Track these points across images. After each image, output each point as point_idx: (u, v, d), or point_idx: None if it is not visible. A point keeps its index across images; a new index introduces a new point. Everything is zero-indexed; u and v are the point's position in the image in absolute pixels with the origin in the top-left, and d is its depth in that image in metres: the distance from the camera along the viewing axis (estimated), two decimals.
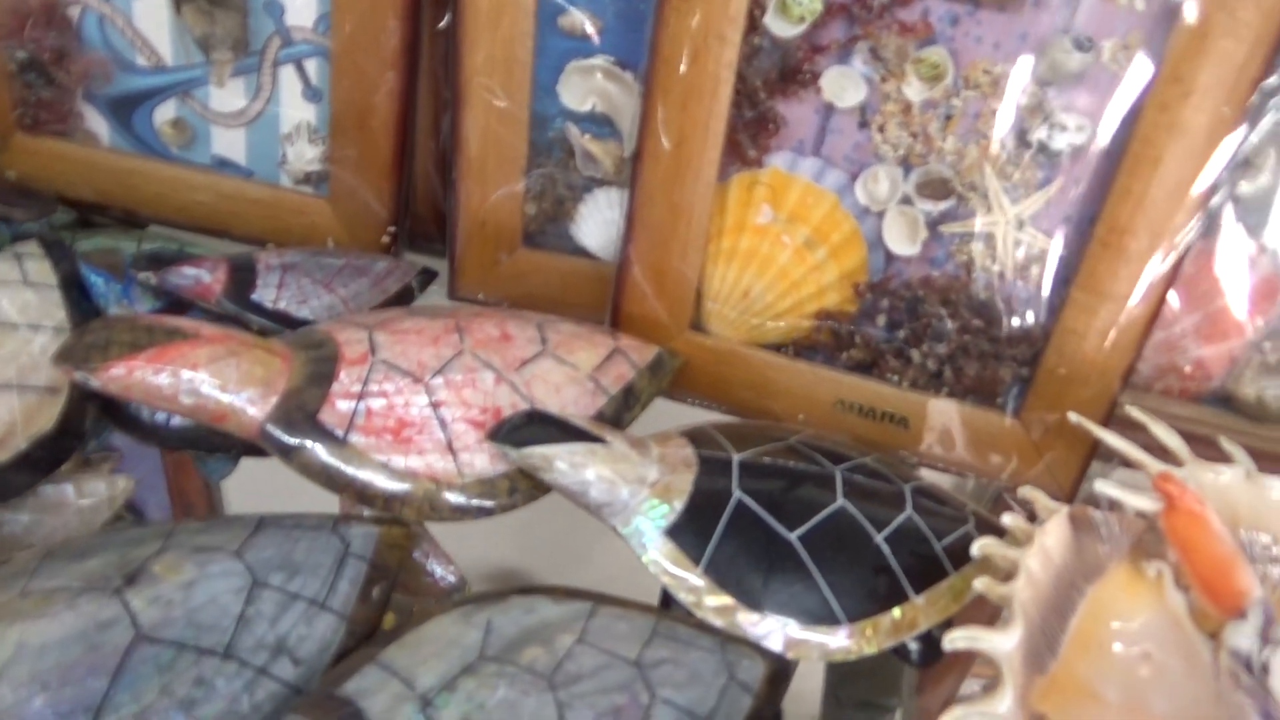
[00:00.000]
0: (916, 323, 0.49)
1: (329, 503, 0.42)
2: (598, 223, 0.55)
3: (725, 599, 0.38)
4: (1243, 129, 0.42)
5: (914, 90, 0.45)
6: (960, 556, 0.40)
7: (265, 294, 0.49)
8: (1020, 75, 0.44)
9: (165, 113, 0.56)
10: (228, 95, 0.55)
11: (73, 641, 0.30)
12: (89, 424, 0.42)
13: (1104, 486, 0.38)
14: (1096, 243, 0.45)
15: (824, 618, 0.38)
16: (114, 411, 0.43)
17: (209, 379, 0.38)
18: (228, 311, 0.48)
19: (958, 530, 0.41)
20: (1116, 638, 0.35)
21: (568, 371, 0.45)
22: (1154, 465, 0.39)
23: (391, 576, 0.38)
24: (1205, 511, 0.37)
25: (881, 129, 0.46)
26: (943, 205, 0.47)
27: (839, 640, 0.37)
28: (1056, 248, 0.46)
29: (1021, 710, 0.31)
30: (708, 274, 0.50)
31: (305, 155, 0.56)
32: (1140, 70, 0.42)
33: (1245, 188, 0.47)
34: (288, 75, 0.55)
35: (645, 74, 0.47)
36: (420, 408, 0.41)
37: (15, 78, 0.55)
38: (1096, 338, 0.46)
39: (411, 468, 0.40)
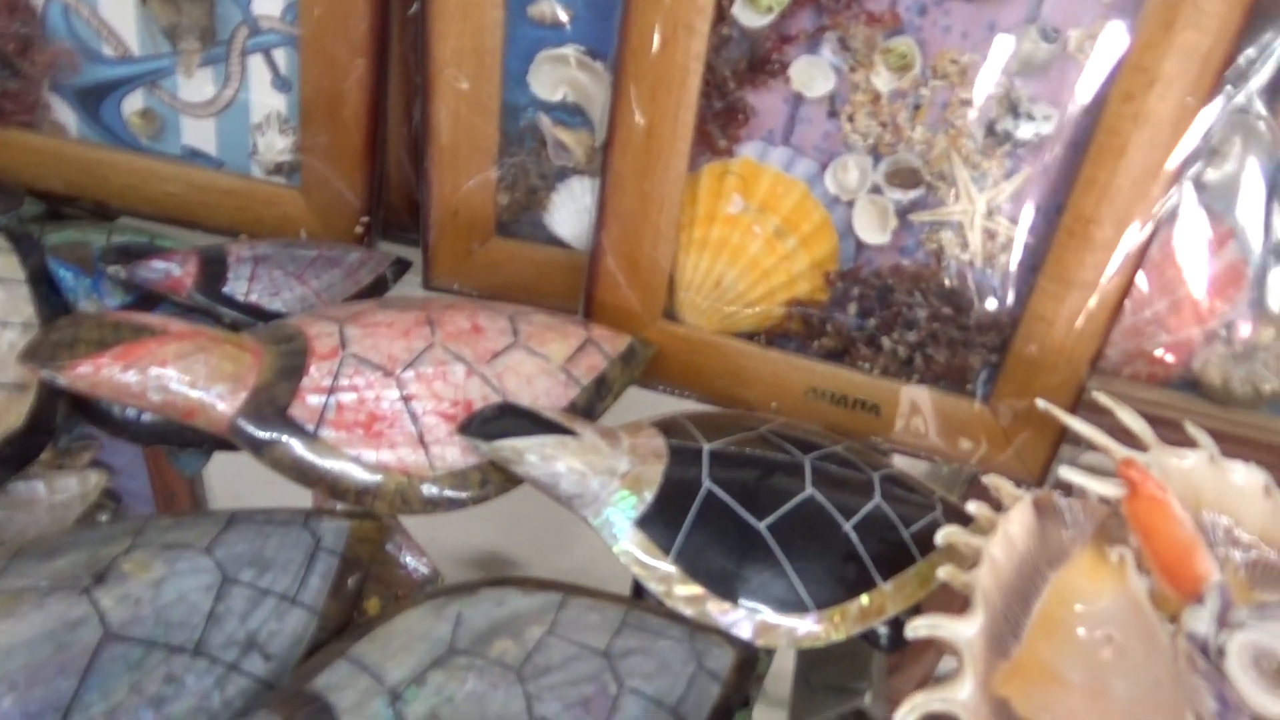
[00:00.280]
0: (887, 311, 0.49)
1: (308, 490, 0.42)
2: (571, 212, 0.55)
3: (695, 588, 0.38)
4: (1207, 118, 0.42)
5: (882, 80, 0.45)
6: (928, 543, 0.40)
7: (237, 287, 0.49)
8: (988, 65, 0.44)
9: (133, 103, 0.56)
10: (196, 85, 0.55)
11: (41, 641, 0.30)
12: (59, 420, 0.42)
13: (1067, 473, 0.39)
14: (1063, 231, 0.45)
15: (792, 605, 0.38)
16: (85, 408, 0.43)
17: (177, 375, 0.38)
18: (199, 305, 0.48)
19: (925, 517, 0.42)
20: (1079, 621, 0.36)
21: (539, 363, 0.45)
22: (1118, 451, 0.40)
23: (364, 570, 0.38)
24: (1166, 497, 0.37)
25: (851, 118, 0.46)
26: (912, 194, 0.47)
27: (807, 627, 0.38)
28: (1024, 236, 0.47)
29: (983, 695, 0.32)
30: (680, 263, 0.50)
31: (276, 145, 0.56)
32: (1105, 60, 0.43)
33: (1211, 175, 0.47)
34: (256, 65, 0.54)
35: (614, 64, 0.46)
36: (391, 401, 0.41)
37: None
38: (1064, 325, 0.46)
39: (383, 461, 0.40)
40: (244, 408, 0.39)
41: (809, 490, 0.40)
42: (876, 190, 0.48)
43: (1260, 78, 0.45)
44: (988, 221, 0.47)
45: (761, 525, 0.39)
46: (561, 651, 0.33)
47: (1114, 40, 0.42)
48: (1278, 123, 0.47)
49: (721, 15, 0.45)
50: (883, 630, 0.40)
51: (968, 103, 0.45)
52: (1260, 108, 0.46)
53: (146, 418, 0.44)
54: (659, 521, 0.39)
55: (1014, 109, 0.45)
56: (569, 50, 0.51)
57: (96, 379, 0.37)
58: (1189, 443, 0.41)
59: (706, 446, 0.41)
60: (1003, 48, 0.44)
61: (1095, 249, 0.44)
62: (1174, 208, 0.47)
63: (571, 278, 0.54)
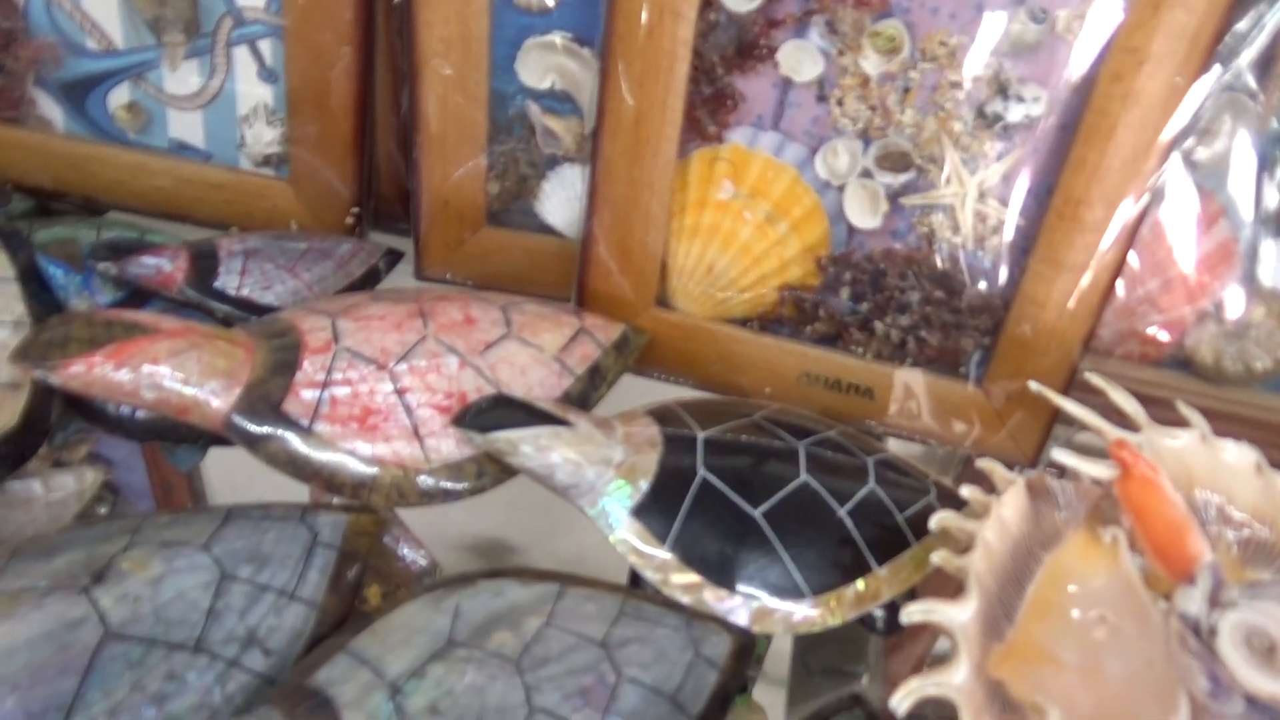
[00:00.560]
0: (879, 295, 0.49)
1: (305, 482, 0.42)
2: (562, 200, 0.54)
3: (692, 576, 0.38)
4: (1196, 97, 0.42)
5: (871, 63, 0.45)
6: (922, 527, 0.41)
7: (228, 281, 0.48)
8: (976, 47, 0.44)
9: (119, 96, 0.55)
10: (182, 78, 0.55)
11: (41, 642, 0.30)
12: (54, 419, 0.42)
13: (1060, 455, 0.39)
14: (1054, 213, 0.45)
15: (789, 591, 0.38)
16: (79, 405, 0.43)
17: (170, 373, 0.38)
18: (190, 300, 0.47)
19: (920, 501, 0.42)
20: (1073, 602, 0.36)
21: (533, 353, 0.45)
22: (1110, 432, 0.40)
23: (362, 563, 0.38)
24: (1158, 478, 0.38)
25: (840, 102, 0.46)
26: (903, 178, 0.47)
27: (804, 613, 0.38)
28: (1015, 218, 0.47)
29: (978, 678, 0.32)
30: (671, 250, 0.50)
31: (264, 137, 0.56)
32: (1094, 40, 0.42)
33: (1202, 153, 0.47)
34: (242, 56, 0.54)
35: (601, 51, 0.46)
36: (385, 395, 0.41)
37: None
38: (1056, 306, 0.46)
39: (378, 454, 0.40)
40: (238, 404, 0.39)
41: (803, 477, 0.40)
42: (867, 174, 0.47)
43: (1250, 52, 0.45)
44: (978, 204, 0.47)
45: (757, 512, 0.39)
46: (559, 642, 0.34)
47: (1102, 20, 0.42)
48: (1267, 98, 0.47)
49: (708, 1, 0.45)
50: (878, 614, 0.40)
51: (957, 85, 0.45)
52: (1250, 82, 0.46)
53: (141, 415, 0.44)
54: (655, 510, 0.39)
55: (1003, 90, 0.45)
56: (556, 37, 0.50)
57: (89, 378, 0.37)
58: (1182, 422, 0.42)
59: (701, 434, 0.42)
60: (991, 29, 0.44)
61: (1086, 230, 0.44)
62: (1164, 187, 0.47)
63: (563, 266, 0.54)
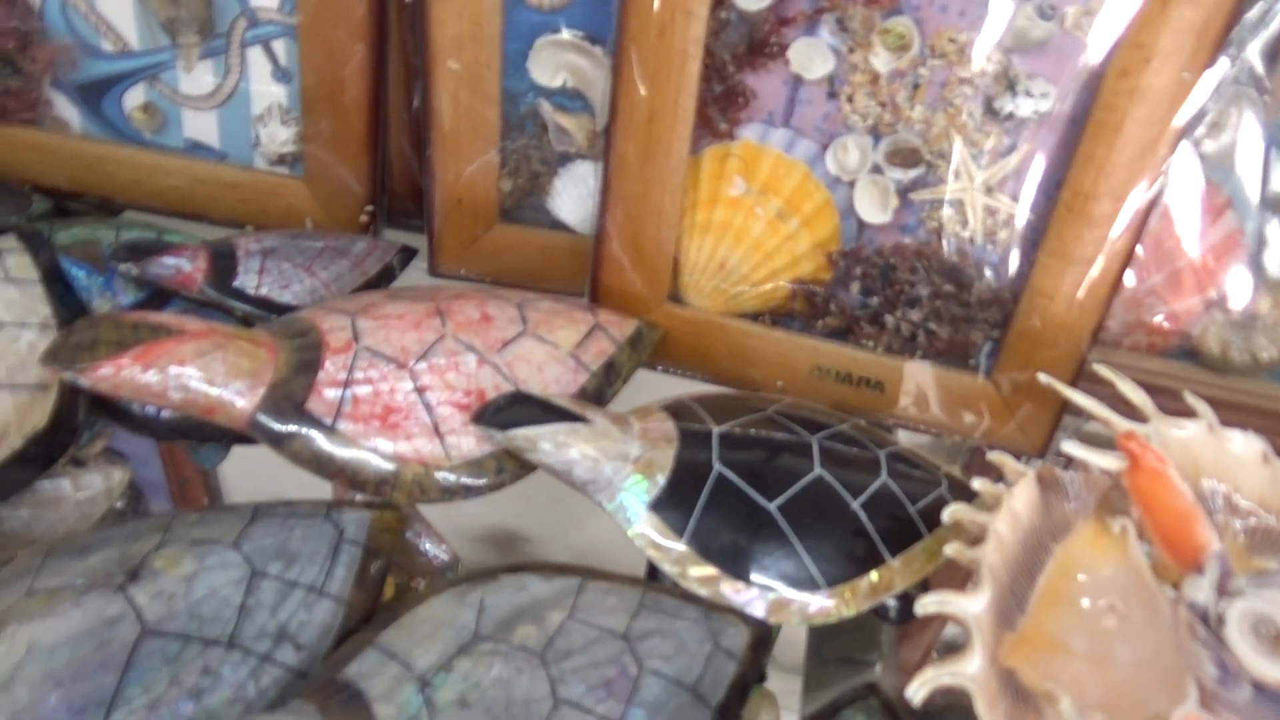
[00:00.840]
0: (890, 289, 0.50)
1: (317, 474, 0.43)
2: (574, 196, 0.55)
3: (709, 569, 0.39)
4: (1204, 90, 0.42)
5: (881, 60, 0.46)
6: (934, 518, 0.41)
7: (247, 280, 0.49)
8: (985, 43, 0.45)
9: (135, 97, 0.56)
10: (196, 78, 0.55)
11: (82, 639, 0.31)
12: (81, 418, 0.43)
13: (1069, 447, 0.39)
14: (1062, 207, 0.46)
15: (804, 583, 0.39)
16: (105, 405, 0.44)
17: (196, 374, 0.39)
18: (211, 299, 0.48)
19: (931, 493, 0.43)
20: (1082, 591, 0.37)
21: (549, 350, 0.46)
22: (1119, 423, 0.41)
23: (386, 559, 0.39)
24: (1166, 469, 0.38)
25: (850, 99, 0.47)
26: (912, 173, 0.48)
27: (819, 604, 0.39)
28: (1024, 212, 0.47)
29: (991, 667, 0.33)
30: (684, 246, 0.51)
31: (278, 137, 0.56)
32: (1102, 36, 0.43)
33: (1209, 146, 0.48)
34: (256, 56, 0.55)
35: (614, 50, 0.47)
36: (405, 393, 0.42)
37: None
38: (1065, 299, 0.47)
39: (400, 452, 0.41)
40: (262, 403, 0.40)
41: (817, 470, 0.41)
42: (877, 170, 0.48)
43: (1258, 43, 0.46)
44: (988, 198, 0.47)
45: (772, 506, 0.40)
46: (582, 635, 0.34)
47: (1110, 16, 0.43)
48: (1274, 89, 0.47)
49: None
50: (891, 604, 0.41)
51: (966, 81, 0.45)
52: (1259, 71, 0.47)
53: (166, 414, 0.45)
54: (672, 505, 0.40)
55: (1012, 86, 0.45)
56: (567, 36, 0.51)
57: (118, 380, 0.38)
58: (1189, 411, 0.42)
59: (715, 429, 0.42)
60: (1000, 25, 0.44)
61: (1094, 224, 0.45)
62: (1172, 179, 0.47)
63: (575, 261, 0.55)
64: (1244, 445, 0.40)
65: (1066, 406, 0.50)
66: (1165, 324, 0.51)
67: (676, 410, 0.44)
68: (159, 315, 0.41)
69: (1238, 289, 0.50)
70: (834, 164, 0.48)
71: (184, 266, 0.48)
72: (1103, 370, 0.44)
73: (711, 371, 0.53)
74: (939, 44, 0.45)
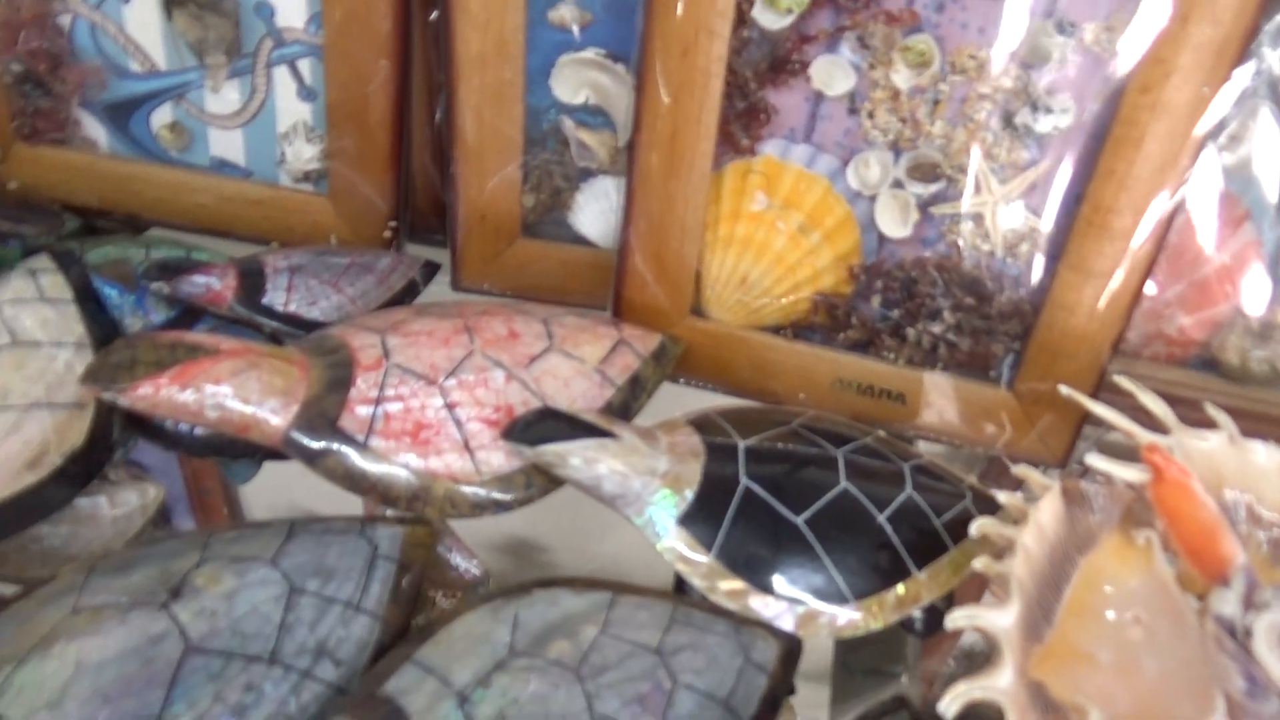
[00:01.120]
0: (911, 302, 0.50)
1: (336, 490, 0.43)
2: (595, 211, 0.56)
3: (737, 583, 0.39)
4: (1223, 106, 0.43)
5: (902, 77, 0.46)
6: (959, 531, 0.42)
7: (275, 297, 0.50)
8: (1005, 59, 0.45)
9: (162, 117, 0.57)
10: (223, 97, 0.56)
11: (128, 656, 0.32)
12: (116, 436, 0.44)
13: (1094, 460, 0.40)
14: (1082, 221, 0.46)
15: (832, 596, 0.40)
16: (140, 423, 0.45)
17: (232, 393, 0.40)
18: (240, 317, 0.49)
19: (956, 506, 0.43)
20: (1108, 603, 0.37)
21: (575, 365, 0.46)
22: (1142, 435, 0.41)
23: (418, 574, 0.39)
24: (1190, 482, 0.39)
25: (871, 115, 0.47)
26: (933, 187, 0.48)
27: (847, 617, 0.40)
28: (1044, 226, 0.48)
29: (1021, 680, 0.33)
30: (706, 261, 0.52)
31: (303, 154, 0.57)
32: (1121, 53, 0.43)
33: (1228, 158, 0.48)
34: (281, 76, 0.55)
35: (636, 70, 0.47)
36: (436, 409, 0.42)
37: (12, 89, 0.56)
38: (1085, 311, 0.47)
39: (431, 468, 0.42)
40: (296, 421, 0.41)
41: (843, 484, 0.42)
42: (898, 185, 0.49)
43: (1278, 54, 0.46)
44: (1008, 212, 0.48)
45: (799, 520, 0.40)
46: (616, 650, 0.35)
47: (1130, 33, 0.43)
48: None
49: (742, 18, 0.46)
50: (918, 616, 0.41)
51: (986, 97, 0.46)
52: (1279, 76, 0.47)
53: (199, 431, 0.45)
54: (700, 519, 0.40)
55: (1032, 102, 0.45)
56: (589, 54, 0.51)
57: (156, 399, 0.39)
58: (1209, 421, 0.43)
59: (742, 443, 0.43)
60: (1020, 42, 0.45)
61: (1114, 238, 0.45)
62: (1192, 192, 0.48)
63: (596, 275, 0.56)
64: (1266, 456, 0.41)
65: (1087, 417, 0.50)
66: (1185, 335, 0.52)
67: (702, 424, 0.44)
68: (195, 335, 0.42)
69: (1257, 299, 0.50)
70: (855, 179, 0.49)
71: (214, 284, 0.49)
72: (1123, 382, 0.45)
73: (733, 384, 0.54)
74: (959, 60, 0.45)
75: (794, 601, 0.39)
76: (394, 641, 0.37)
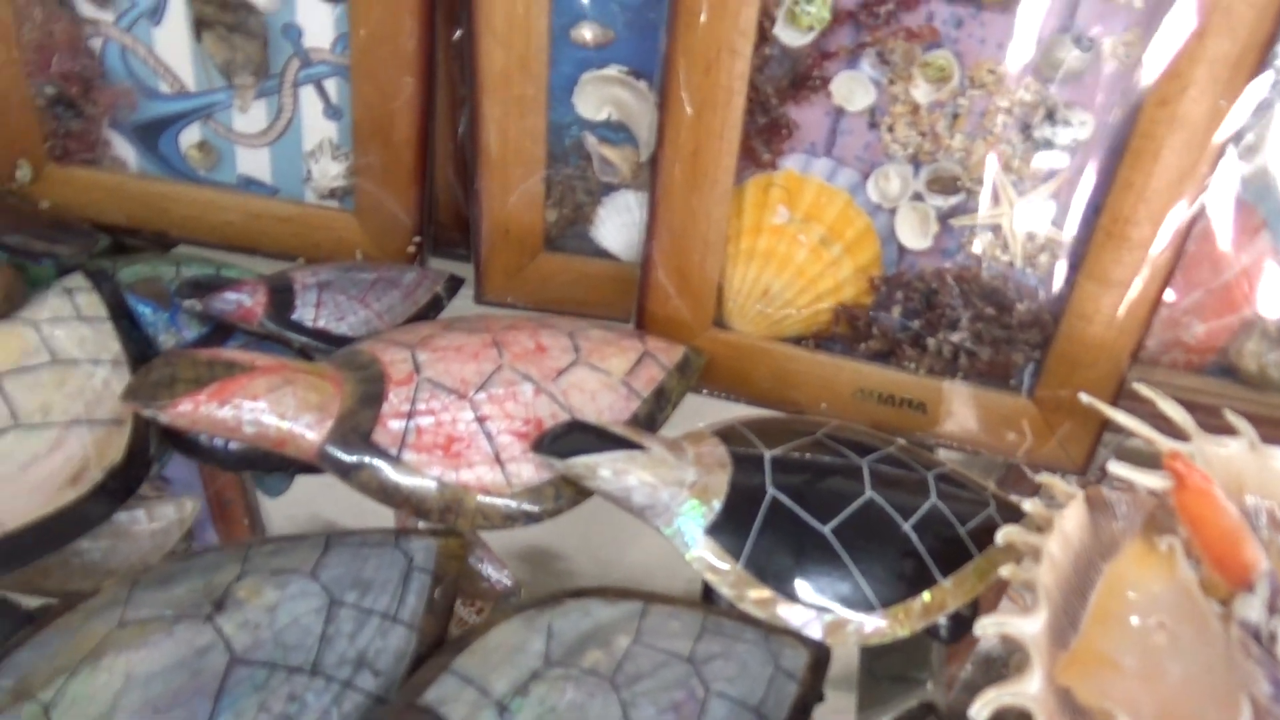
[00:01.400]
0: (931, 312, 0.51)
1: (353, 501, 0.44)
2: (617, 225, 0.56)
3: (765, 592, 0.40)
4: (1239, 117, 0.43)
5: (921, 92, 0.47)
6: (983, 539, 0.42)
7: (305, 313, 0.51)
8: (1024, 73, 0.46)
9: (190, 136, 0.58)
10: (250, 117, 0.57)
11: (176, 668, 0.33)
12: (153, 451, 0.44)
13: (1116, 468, 0.40)
14: (1101, 232, 0.47)
15: (859, 604, 0.40)
16: (176, 438, 0.46)
17: (268, 409, 0.40)
18: (271, 333, 0.50)
19: (980, 514, 0.44)
20: (1132, 609, 0.38)
21: (601, 378, 0.47)
22: (1163, 442, 0.42)
23: (452, 585, 0.40)
24: (1212, 488, 0.39)
25: (891, 129, 0.48)
26: (952, 200, 0.49)
27: (874, 624, 0.40)
28: (1063, 237, 0.48)
29: (1049, 687, 0.34)
30: (728, 273, 0.52)
31: (329, 171, 0.58)
32: (1139, 66, 0.44)
33: (1245, 168, 0.49)
34: (308, 95, 0.56)
35: (660, 88, 0.48)
36: (467, 423, 0.43)
37: (45, 111, 0.57)
38: (1104, 320, 0.48)
39: (463, 480, 0.42)
40: (331, 435, 0.42)
41: (869, 493, 0.42)
42: (918, 197, 0.49)
43: None
44: (1027, 223, 0.48)
45: (826, 529, 0.41)
46: (649, 659, 0.36)
47: (1147, 47, 0.44)
48: None
49: (764, 36, 0.47)
50: (943, 622, 0.42)
51: (1005, 110, 0.47)
52: None
53: (234, 445, 0.46)
54: (728, 529, 0.41)
55: (1050, 115, 0.46)
56: (612, 71, 0.52)
57: (196, 415, 0.40)
58: (1229, 427, 0.43)
59: (767, 454, 0.44)
60: (1038, 57, 0.45)
61: (1133, 248, 0.46)
62: (1209, 202, 0.48)
63: (618, 288, 0.56)
64: None
65: (1107, 424, 0.51)
66: (1203, 342, 0.52)
67: (727, 435, 0.45)
68: (231, 352, 0.42)
69: (1273, 306, 0.51)
70: (875, 192, 0.50)
71: (245, 301, 0.50)
72: (1143, 389, 0.45)
73: (755, 394, 0.54)
74: (978, 75, 0.46)
75: (822, 609, 0.40)
76: (430, 652, 0.38)
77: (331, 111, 0.57)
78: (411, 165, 0.57)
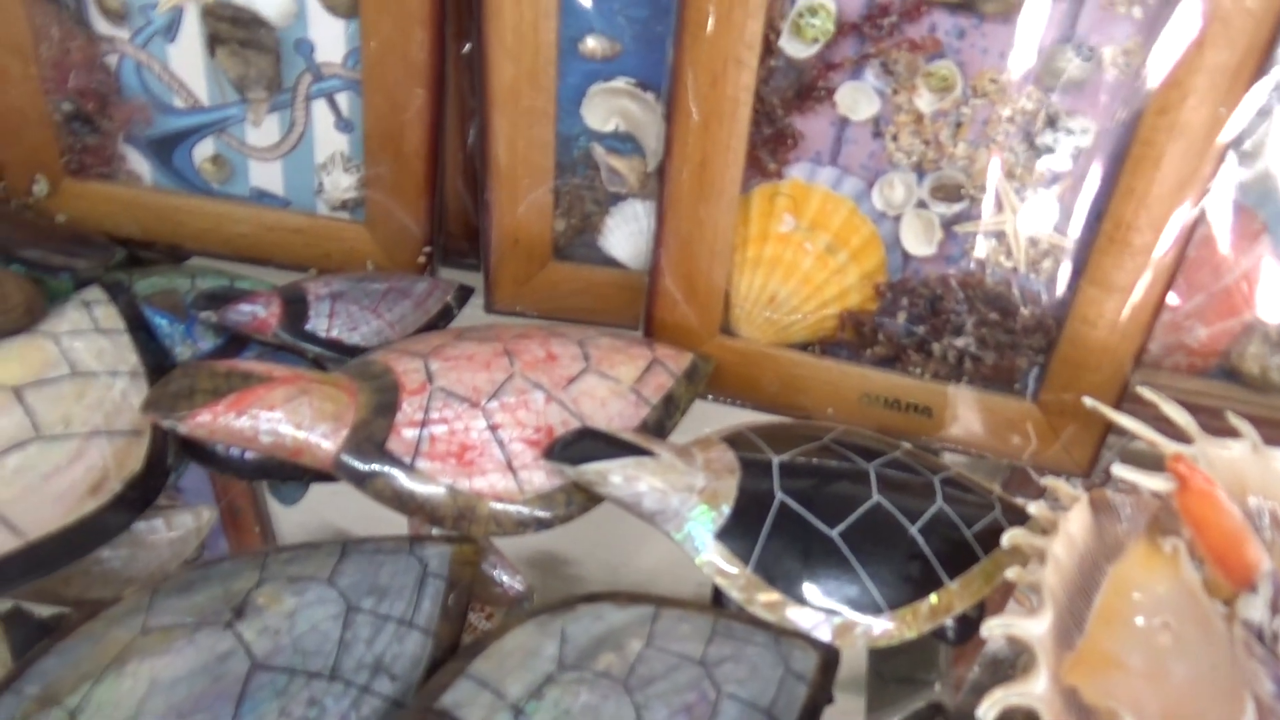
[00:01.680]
0: (936, 318, 0.51)
1: (361, 508, 0.45)
2: (625, 234, 0.57)
3: (775, 595, 0.41)
4: (1239, 123, 0.44)
5: (925, 101, 0.48)
6: (989, 541, 0.43)
7: (318, 324, 0.51)
8: (1026, 83, 0.46)
9: (204, 150, 0.59)
10: (263, 130, 0.58)
11: (198, 674, 0.33)
12: (172, 461, 0.45)
13: (1120, 470, 0.41)
14: (1103, 238, 0.47)
15: (867, 607, 0.41)
16: (194, 448, 0.46)
17: (285, 419, 0.41)
18: (285, 343, 0.51)
19: (986, 517, 0.44)
20: (1137, 610, 0.38)
21: (611, 386, 0.48)
22: (1166, 445, 0.42)
23: (466, 590, 0.41)
24: (1215, 490, 0.40)
25: (895, 138, 0.49)
26: (956, 207, 0.49)
27: (882, 627, 0.41)
28: (1066, 242, 0.49)
29: (1055, 687, 0.35)
30: (735, 281, 0.53)
31: (341, 183, 0.59)
32: (1139, 75, 0.45)
33: (1245, 173, 0.49)
34: (320, 109, 0.57)
35: (667, 100, 0.49)
36: (479, 431, 0.44)
37: (62, 127, 0.58)
38: (1107, 325, 0.49)
39: (476, 488, 0.43)
40: (346, 445, 0.42)
41: (876, 497, 0.43)
42: (922, 205, 0.50)
43: None
44: (1030, 230, 0.49)
45: (833, 532, 0.42)
46: (662, 662, 0.36)
47: (1148, 57, 0.44)
48: None
49: (769, 48, 0.48)
50: (950, 624, 0.43)
51: (1008, 119, 0.47)
52: None
53: (250, 455, 0.47)
54: (737, 533, 0.42)
55: (1052, 123, 0.47)
56: (620, 83, 0.53)
57: (214, 426, 0.40)
58: (1231, 430, 0.44)
59: (775, 459, 0.44)
60: (1040, 66, 0.46)
61: (1135, 253, 0.47)
62: (1209, 207, 0.49)
63: (626, 296, 0.57)
64: None
65: (1111, 427, 0.51)
66: (1205, 345, 0.53)
67: (736, 441, 0.46)
68: (248, 363, 0.43)
69: (1275, 309, 0.51)
70: (880, 200, 0.50)
71: (259, 312, 0.50)
72: (1146, 392, 0.46)
73: (762, 400, 0.55)
74: (981, 84, 0.47)
75: (830, 612, 0.41)
76: (445, 657, 0.38)
77: (343, 124, 0.57)
78: (422, 176, 0.58)
